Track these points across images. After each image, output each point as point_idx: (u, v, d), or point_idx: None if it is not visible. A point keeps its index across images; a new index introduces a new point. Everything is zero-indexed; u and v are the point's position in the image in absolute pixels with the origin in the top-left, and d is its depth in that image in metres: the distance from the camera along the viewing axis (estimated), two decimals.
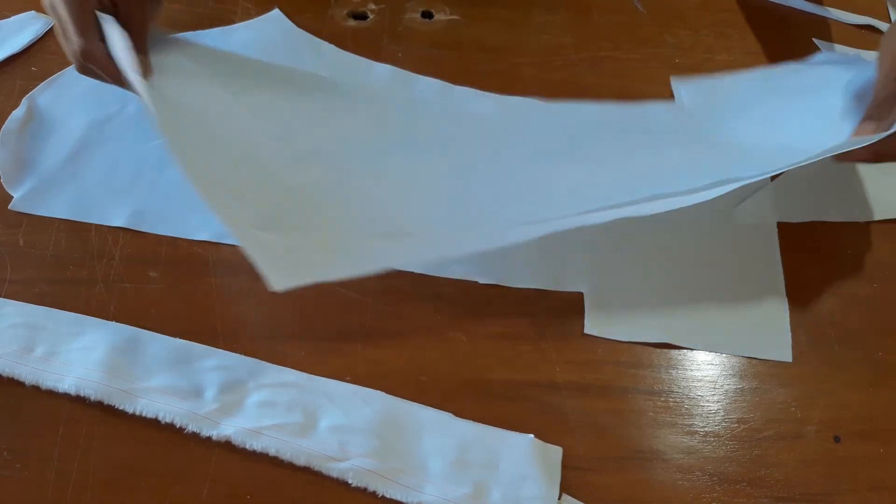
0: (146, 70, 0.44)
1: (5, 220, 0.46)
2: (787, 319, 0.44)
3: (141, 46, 0.45)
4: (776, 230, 0.47)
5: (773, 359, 0.43)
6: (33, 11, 0.54)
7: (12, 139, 0.48)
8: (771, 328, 0.44)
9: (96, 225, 0.45)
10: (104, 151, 0.48)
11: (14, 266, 0.44)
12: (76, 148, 0.48)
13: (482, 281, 0.44)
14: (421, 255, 0.44)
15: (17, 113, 0.49)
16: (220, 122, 0.45)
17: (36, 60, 0.52)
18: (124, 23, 0.44)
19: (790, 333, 0.44)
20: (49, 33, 0.53)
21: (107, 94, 0.48)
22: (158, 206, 0.46)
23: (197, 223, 0.46)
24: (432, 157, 0.48)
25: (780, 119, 0.48)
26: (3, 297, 0.43)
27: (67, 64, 0.51)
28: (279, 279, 0.37)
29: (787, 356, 0.43)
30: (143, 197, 0.46)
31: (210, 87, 0.47)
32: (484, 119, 0.50)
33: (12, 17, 0.53)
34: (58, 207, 0.46)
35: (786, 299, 0.45)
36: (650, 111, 0.52)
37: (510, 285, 0.44)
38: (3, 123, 0.49)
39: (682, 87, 0.53)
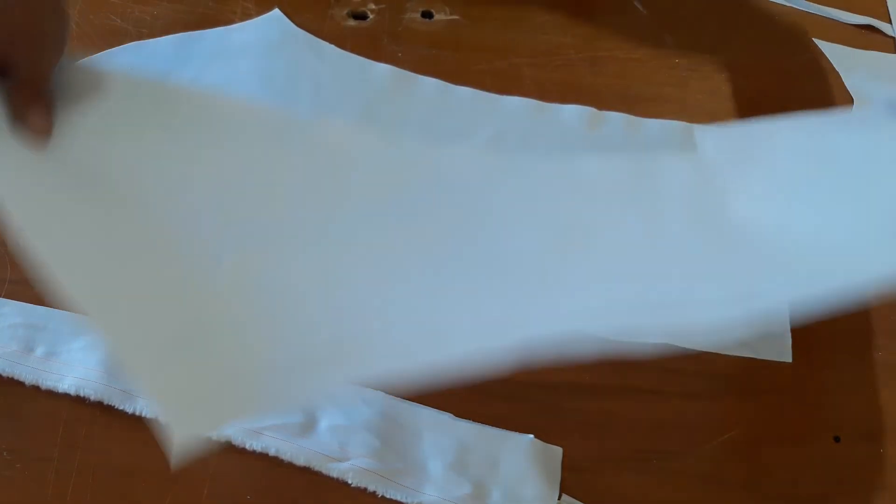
0: (45, 131, 0.36)
1: (5, 220, 0.46)
2: (787, 319, 0.44)
3: (42, 102, 0.37)
4: None
5: (773, 359, 0.43)
6: None
7: None
8: (771, 328, 0.44)
9: None
10: None
11: (14, 266, 0.44)
12: None
13: None
14: (377, 371, 0.34)
15: None
16: (123, 201, 0.36)
17: None
18: (21, 77, 0.36)
19: (790, 333, 0.44)
20: None
21: None
22: None
23: None
24: (405, 233, 0.39)
25: (829, 205, 0.37)
26: (3, 297, 0.43)
27: None
28: (189, 424, 0.28)
29: (787, 356, 0.43)
30: None
31: (125, 147, 0.38)
32: (471, 181, 0.41)
33: None
34: None
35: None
36: (665, 169, 0.43)
37: None
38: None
39: (708, 137, 0.44)
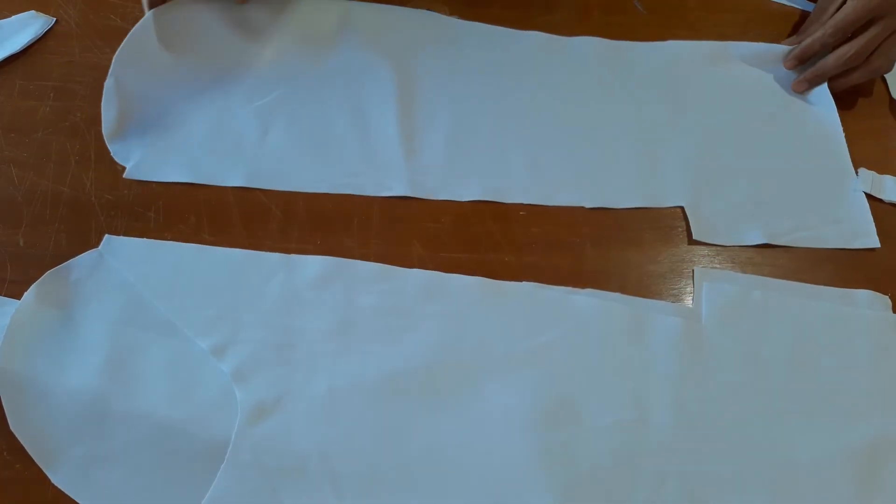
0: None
1: (5, 220, 0.46)
2: (867, 206, 0.49)
3: None
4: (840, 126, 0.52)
5: (860, 246, 0.47)
6: (33, 11, 0.54)
7: (113, 113, 0.49)
8: (854, 218, 0.48)
9: (95, 225, 0.46)
10: (205, 119, 0.50)
11: (14, 266, 0.44)
12: (176, 118, 0.49)
13: (588, 205, 0.48)
14: None
15: (108, 83, 0.49)
16: None
17: (36, 60, 0.52)
18: None
19: (872, 218, 0.48)
20: (49, 33, 0.53)
21: (192, 61, 0.51)
22: (270, 166, 0.48)
23: (316, 177, 0.48)
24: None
25: None
26: (3, 296, 0.43)
27: (64, 65, 0.51)
28: None
29: (873, 242, 0.47)
30: (254, 158, 0.48)
31: None
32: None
33: (12, 17, 0.54)
34: (172, 173, 0.48)
35: (862, 194, 0.49)
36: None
37: (615, 206, 0.48)
38: (5, 121, 0.49)
39: (708, 293, 0.45)
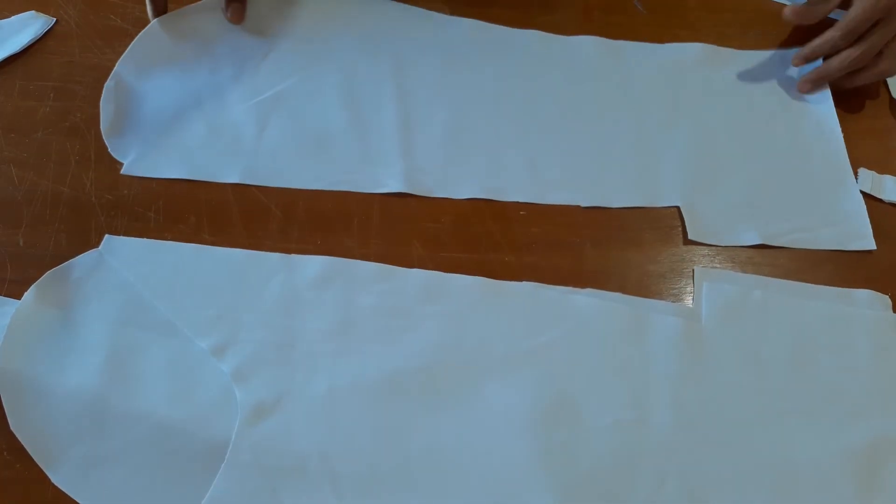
0: (237, 21, 0.52)
1: (5, 220, 0.46)
2: (864, 208, 0.49)
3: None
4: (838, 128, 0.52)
5: (856, 249, 0.47)
6: (33, 11, 0.54)
7: (111, 109, 0.49)
8: (850, 220, 0.48)
9: (95, 225, 0.46)
10: (202, 115, 0.50)
11: (14, 266, 0.44)
12: (174, 114, 0.49)
13: (584, 204, 0.48)
14: None
15: (109, 85, 0.50)
16: None
17: (36, 60, 0.52)
18: None
19: (868, 220, 0.48)
20: (49, 33, 0.53)
21: (193, 60, 0.52)
22: (266, 162, 0.48)
23: (313, 174, 0.48)
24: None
25: None
26: (3, 296, 0.43)
27: (64, 65, 0.51)
28: None
29: (869, 244, 0.47)
30: (250, 154, 0.48)
31: None
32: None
33: (12, 17, 0.53)
34: (169, 169, 0.48)
35: (859, 196, 0.49)
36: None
37: (610, 205, 0.48)
38: (5, 121, 0.49)
39: (708, 293, 0.45)
